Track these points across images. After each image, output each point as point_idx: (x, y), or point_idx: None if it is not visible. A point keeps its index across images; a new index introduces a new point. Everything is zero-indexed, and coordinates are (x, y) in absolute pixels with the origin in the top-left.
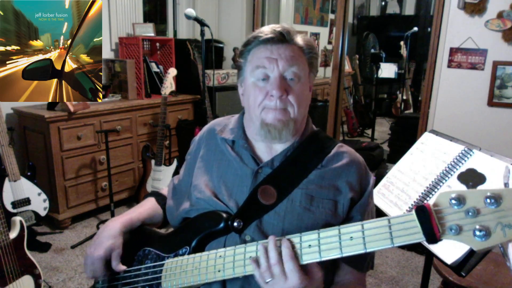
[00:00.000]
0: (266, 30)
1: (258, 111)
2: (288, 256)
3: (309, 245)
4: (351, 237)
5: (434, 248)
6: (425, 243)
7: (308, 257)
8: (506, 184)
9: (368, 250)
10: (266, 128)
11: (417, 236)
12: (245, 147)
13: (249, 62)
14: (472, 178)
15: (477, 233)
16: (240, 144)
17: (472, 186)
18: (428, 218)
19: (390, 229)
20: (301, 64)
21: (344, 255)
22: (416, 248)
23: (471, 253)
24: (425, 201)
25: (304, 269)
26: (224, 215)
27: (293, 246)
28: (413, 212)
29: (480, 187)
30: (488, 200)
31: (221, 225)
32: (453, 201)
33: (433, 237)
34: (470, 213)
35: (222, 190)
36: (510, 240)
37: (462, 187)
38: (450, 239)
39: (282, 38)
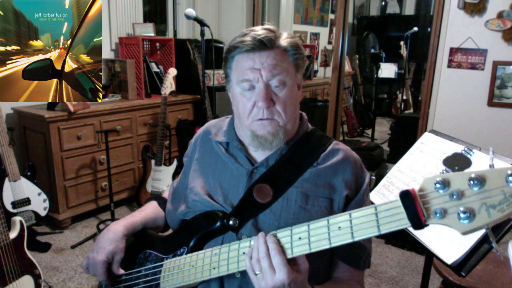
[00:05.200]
0: (248, 39)
1: (248, 121)
2: (274, 250)
3: (299, 238)
4: (339, 227)
5: (434, 247)
6: (415, 234)
7: (298, 250)
8: (491, 166)
9: (356, 239)
10: (257, 141)
11: (403, 222)
12: (239, 148)
13: (234, 71)
14: (458, 162)
15: (462, 215)
16: (234, 145)
17: (457, 171)
18: (412, 202)
19: (377, 217)
20: (286, 69)
21: (333, 245)
22: (416, 248)
23: (471, 253)
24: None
25: (291, 262)
26: (220, 214)
27: (279, 241)
28: (398, 197)
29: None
30: (472, 182)
31: (218, 224)
32: (438, 185)
33: (418, 222)
34: (454, 196)
35: (218, 191)
36: (494, 221)
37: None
38: (436, 224)
39: (264, 46)
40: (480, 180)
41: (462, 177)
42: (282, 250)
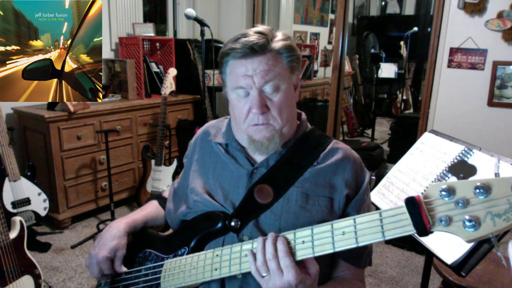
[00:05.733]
0: (238, 46)
1: (244, 126)
2: (283, 252)
3: (303, 241)
4: (343, 232)
5: (434, 248)
6: (417, 236)
7: (302, 253)
8: (496, 175)
9: (360, 244)
10: (254, 145)
11: (408, 228)
12: (238, 149)
13: (228, 76)
14: (463, 169)
15: (467, 223)
16: (233, 146)
17: (463, 178)
18: (418, 209)
19: (382, 222)
20: (279, 73)
21: (337, 250)
22: (416, 248)
23: (471, 253)
24: None
25: (300, 264)
26: (222, 215)
27: (288, 242)
28: (403, 204)
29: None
30: (478, 190)
31: (219, 225)
32: (443, 193)
33: (423, 229)
34: (459, 204)
35: (219, 191)
36: (499, 230)
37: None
38: (441, 231)
39: (255, 52)
40: (485, 188)
41: (468, 185)
42: (290, 251)
